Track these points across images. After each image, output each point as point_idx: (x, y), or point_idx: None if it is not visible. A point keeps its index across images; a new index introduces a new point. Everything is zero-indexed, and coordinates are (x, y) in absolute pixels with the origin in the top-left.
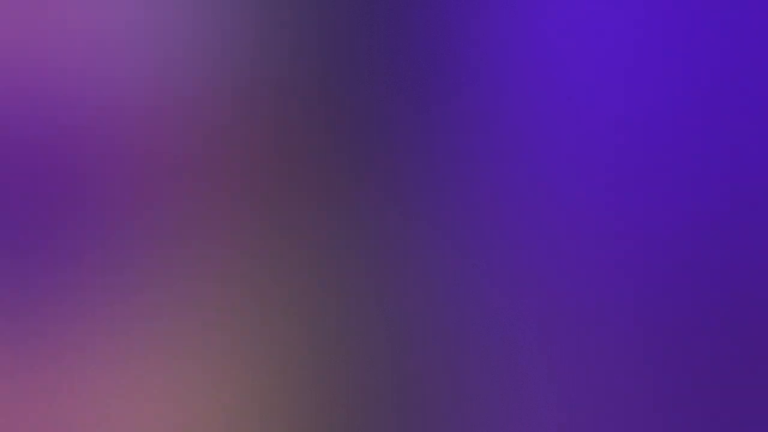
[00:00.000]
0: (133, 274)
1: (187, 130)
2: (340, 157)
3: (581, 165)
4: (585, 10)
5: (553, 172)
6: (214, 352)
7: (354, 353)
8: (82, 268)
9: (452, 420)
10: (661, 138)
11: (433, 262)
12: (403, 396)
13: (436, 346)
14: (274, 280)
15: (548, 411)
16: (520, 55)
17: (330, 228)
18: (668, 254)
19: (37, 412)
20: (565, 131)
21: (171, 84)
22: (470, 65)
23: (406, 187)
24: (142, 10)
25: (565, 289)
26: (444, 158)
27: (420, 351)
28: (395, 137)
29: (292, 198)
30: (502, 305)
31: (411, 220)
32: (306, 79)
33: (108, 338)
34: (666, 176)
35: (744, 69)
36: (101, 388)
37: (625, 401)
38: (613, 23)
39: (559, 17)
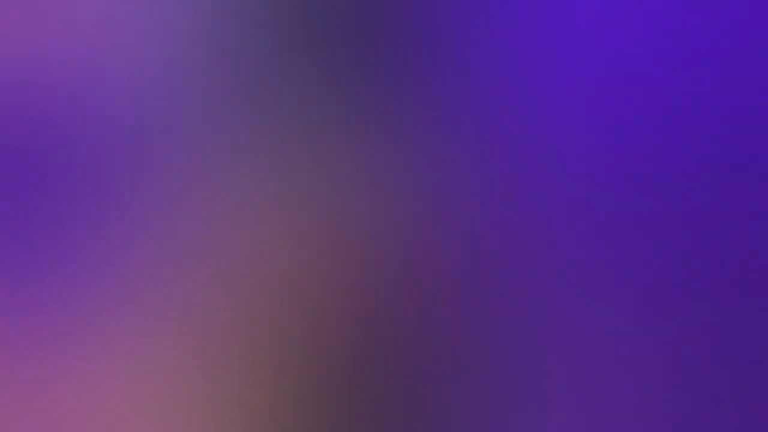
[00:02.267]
0: (133, 268)
1: (187, 130)
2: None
3: (582, 163)
4: (585, 5)
5: (554, 169)
6: (214, 351)
7: (355, 351)
8: (82, 267)
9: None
10: (664, 139)
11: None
12: (405, 396)
13: (437, 344)
14: (274, 277)
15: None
16: (521, 46)
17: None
18: (669, 255)
19: (37, 412)
20: (568, 129)
21: (170, 83)
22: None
23: (406, 187)
24: (142, 10)
25: (566, 284)
26: (444, 156)
27: (420, 350)
28: (396, 137)
29: (294, 200)
30: (503, 305)
31: (413, 220)
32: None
33: (108, 338)
34: (669, 174)
35: (747, 70)
36: (101, 389)
37: (627, 398)
38: (614, 17)
39: (561, 11)
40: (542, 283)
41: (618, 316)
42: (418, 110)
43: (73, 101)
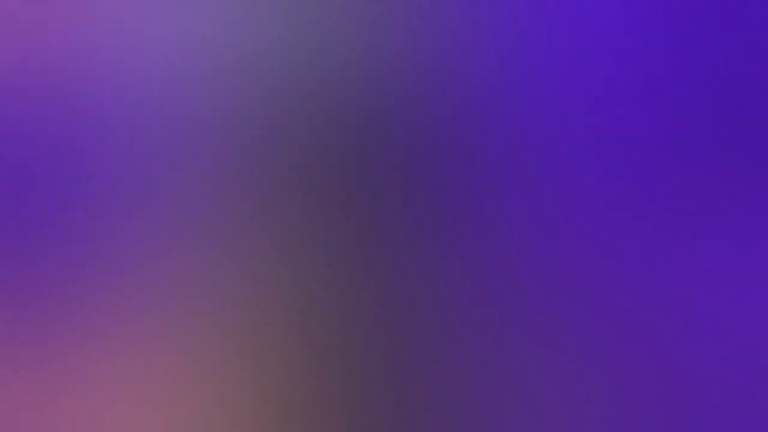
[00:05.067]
0: (133, 274)
1: (187, 130)
2: (341, 157)
3: (585, 167)
4: (585, 5)
5: (557, 172)
6: (214, 352)
7: (353, 353)
8: (82, 268)
9: (451, 416)
10: (666, 142)
11: (434, 259)
12: (402, 397)
13: (437, 345)
14: (274, 280)
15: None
16: (524, 52)
17: (330, 229)
18: (669, 255)
19: (37, 412)
20: (569, 135)
21: (171, 84)
22: (473, 63)
23: (406, 187)
24: (143, 10)
25: (565, 288)
26: (444, 157)
27: (421, 349)
28: (396, 136)
29: (293, 195)
30: (502, 308)
31: (412, 220)
32: (307, 76)
33: (108, 338)
34: (668, 173)
35: (747, 69)
36: (101, 388)
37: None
38: (616, 18)
39: (561, 12)
40: (541, 283)
41: (618, 316)
42: (418, 110)
43: (73, 101)
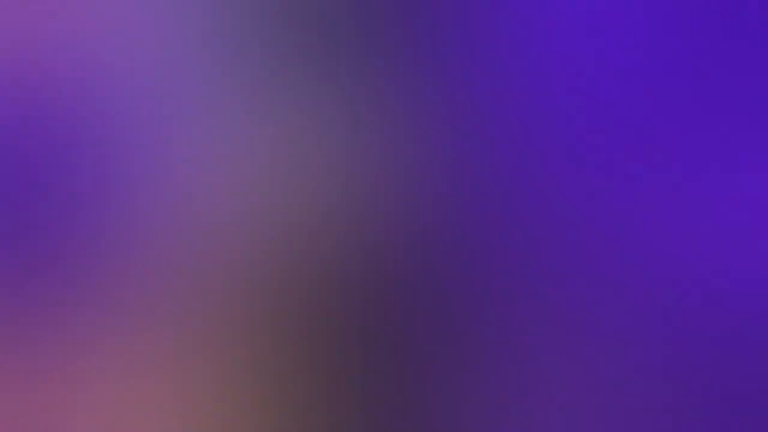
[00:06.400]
0: (132, 273)
1: (188, 129)
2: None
3: (585, 165)
4: (585, 6)
5: (557, 171)
6: (214, 352)
7: (353, 353)
8: (82, 268)
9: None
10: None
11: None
12: (402, 396)
13: (438, 346)
14: (275, 280)
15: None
16: (522, 49)
17: (329, 227)
18: (668, 257)
19: (36, 413)
20: (569, 132)
21: (170, 83)
22: (472, 61)
23: (408, 186)
24: (142, 10)
25: (564, 291)
26: (446, 159)
27: (421, 351)
28: (397, 136)
29: (291, 194)
30: (497, 304)
31: (415, 219)
32: (304, 73)
33: (108, 339)
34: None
35: (746, 69)
36: (101, 390)
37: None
38: (616, 18)
39: (561, 11)
40: (539, 283)
41: (617, 316)
42: (418, 110)
43: (72, 101)
